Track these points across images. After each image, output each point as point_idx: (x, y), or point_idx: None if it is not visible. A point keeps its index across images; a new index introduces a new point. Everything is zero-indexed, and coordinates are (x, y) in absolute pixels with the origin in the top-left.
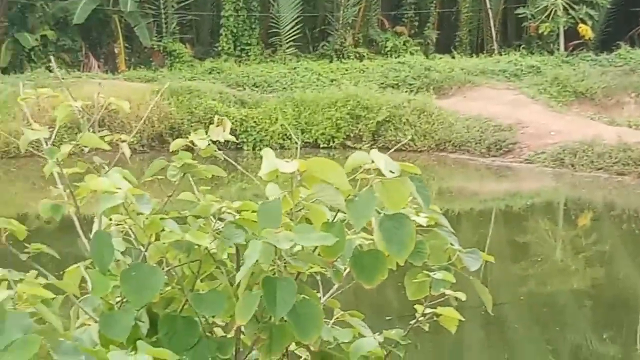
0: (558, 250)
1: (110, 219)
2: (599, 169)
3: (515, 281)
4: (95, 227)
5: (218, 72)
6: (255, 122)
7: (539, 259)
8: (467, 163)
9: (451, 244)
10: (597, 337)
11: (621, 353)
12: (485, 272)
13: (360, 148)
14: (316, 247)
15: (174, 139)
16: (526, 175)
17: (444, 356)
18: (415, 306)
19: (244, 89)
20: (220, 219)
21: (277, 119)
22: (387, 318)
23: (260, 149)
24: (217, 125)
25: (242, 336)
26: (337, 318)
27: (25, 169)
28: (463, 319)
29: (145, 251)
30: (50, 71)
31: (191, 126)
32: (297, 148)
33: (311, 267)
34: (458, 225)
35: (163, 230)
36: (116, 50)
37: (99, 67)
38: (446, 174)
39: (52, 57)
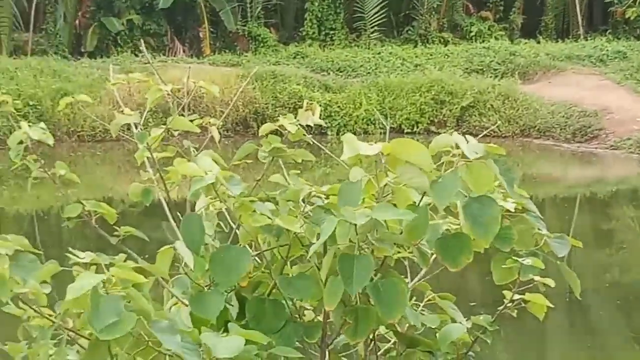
0: None
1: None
2: None
3: (599, 268)
4: (187, 210)
5: (302, 57)
6: (339, 107)
7: (624, 247)
8: (552, 149)
9: (539, 229)
10: None
11: None
12: (569, 258)
13: (445, 133)
14: (402, 231)
15: (258, 124)
16: (611, 162)
17: (527, 342)
18: (504, 292)
19: (328, 73)
20: (310, 203)
21: (361, 104)
22: (472, 304)
23: (344, 134)
24: (306, 110)
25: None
26: (429, 300)
27: (111, 153)
28: (552, 306)
29: (234, 234)
30: (137, 55)
31: (275, 111)
32: (381, 133)
33: (398, 252)
34: (542, 212)
35: (253, 212)
36: (201, 35)
37: (184, 51)
38: (531, 160)
39: (141, 41)
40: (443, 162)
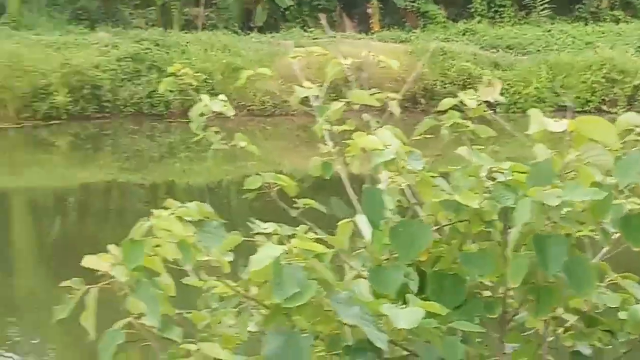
0: None
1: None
2: None
3: None
4: (367, 184)
5: (471, 34)
6: (508, 84)
7: None
8: None
9: None
10: None
11: None
12: None
13: (616, 112)
14: (584, 210)
15: (426, 100)
16: None
17: None
18: None
19: (498, 51)
20: (491, 179)
21: (531, 82)
22: None
23: (514, 112)
24: (487, 86)
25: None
26: (610, 280)
27: (280, 127)
28: None
29: (415, 208)
30: (305, 31)
31: (444, 87)
32: (551, 112)
33: (580, 230)
34: None
35: (434, 187)
36: (370, 11)
37: (352, 27)
38: None
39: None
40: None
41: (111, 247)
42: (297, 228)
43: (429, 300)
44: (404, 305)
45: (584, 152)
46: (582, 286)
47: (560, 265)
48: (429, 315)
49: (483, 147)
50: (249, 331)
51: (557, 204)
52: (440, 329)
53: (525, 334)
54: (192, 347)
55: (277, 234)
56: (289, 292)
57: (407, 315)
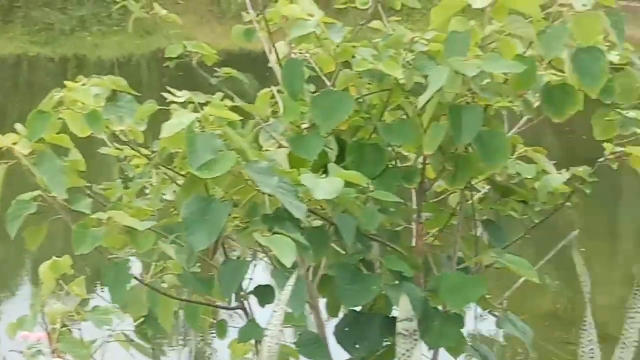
0: None
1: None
2: None
3: None
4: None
5: None
6: None
7: None
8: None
9: None
10: None
11: None
12: None
13: None
14: (506, 80)
15: None
16: None
17: (603, 200)
18: (605, 144)
19: None
20: (411, 50)
21: None
22: (552, 162)
23: None
24: None
25: (427, 166)
26: (520, 153)
27: (193, 2)
28: None
29: (334, 79)
30: None
31: None
32: None
33: (498, 102)
34: None
35: (353, 58)
36: None
37: None
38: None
39: None
40: (550, 13)
41: (18, 126)
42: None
43: (349, 170)
44: (323, 176)
45: (507, 24)
46: (494, 158)
47: (473, 136)
48: (348, 185)
49: (400, 19)
50: (165, 200)
51: (475, 74)
52: (360, 198)
53: (437, 200)
54: (103, 216)
55: (192, 102)
56: (203, 159)
57: (327, 185)
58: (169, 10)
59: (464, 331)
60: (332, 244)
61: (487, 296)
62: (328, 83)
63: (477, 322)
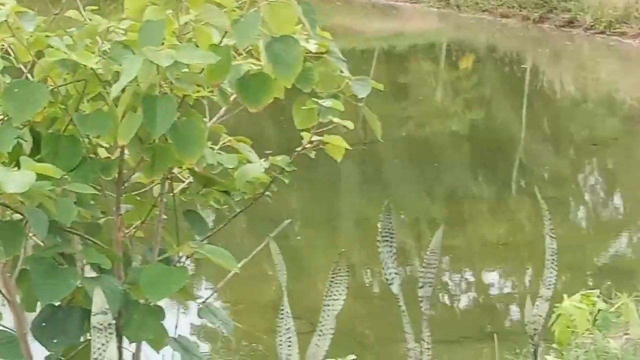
0: (439, 92)
1: None
2: (484, 11)
3: (395, 121)
4: None
5: None
6: None
7: (420, 99)
8: (353, 1)
9: (341, 71)
10: (473, 178)
11: (495, 194)
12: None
13: None
14: (202, 70)
15: None
16: (411, 15)
17: (321, 190)
18: (302, 133)
19: None
20: (108, 40)
21: None
22: (268, 152)
23: None
24: None
25: (125, 157)
26: (224, 143)
27: None
28: (350, 148)
29: (29, 70)
30: None
31: None
32: None
33: (198, 92)
34: None
35: (48, 47)
36: None
37: None
38: (331, 11)
39: None
40: (246, 2)
41: None
42: None
43: (44, 162)
44: (16, 169)
45: (201, 14)
46: (190, 149)
47: (168, 126)
48: (42, 177)
49: (98, 7)
50: None
51: (169, 64)
52: (55, 191)
53: (137, 192)
54: None
55: None
56: None
57: (18, 179)
58: None
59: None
60: (35, 238)
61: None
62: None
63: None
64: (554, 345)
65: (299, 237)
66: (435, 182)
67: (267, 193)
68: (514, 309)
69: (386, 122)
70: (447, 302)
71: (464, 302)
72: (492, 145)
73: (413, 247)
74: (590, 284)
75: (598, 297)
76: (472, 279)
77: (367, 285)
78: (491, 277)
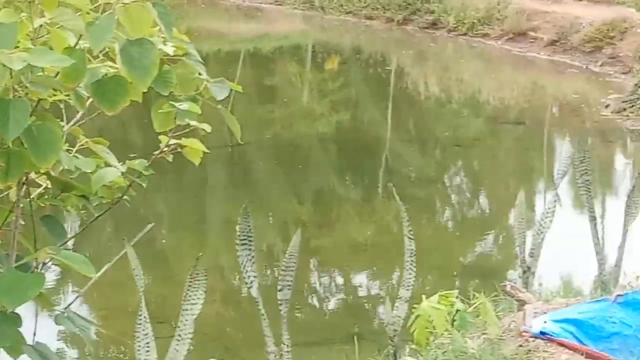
0: (305, 94)
1: None
2: (348, 13)
3: (261, 123)
4: None
5: None
6: None
7: (286, 101)
8: (217, 3)
9: (199, 74)
10: (339, 180)
11: (361, 195)
12: (232, 112)
13: None
14: (57, 74)
15: None
16: (276, 17)
17: (187, 192)
18: (160, 137)
19: None
20: None
21: None
22: (132, 155)
23: None
24: None
25: None
26: (82, 145)
27: None
28: (208, 151)
29: None
30: None
31: None
32: None
33: (54, 95)
34: (206, 67)
35: None
36: None
37: None
38: (195, 14)
39: None
40: (101, 5)
41: None
42: None
43: None
44: None
45: (56, 16)
46: (46, 154)
47: (21, 130)
48: None
49: None
50: None
51: (21, 67)
52: None
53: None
54: None
55: None
56: None
57: None
58: None
59: None
60: None
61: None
62: None
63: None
64: (414, 346)
65: (164, 241)
66: (302, 184)
67: (126, 197)
68: (377, 310)
69: (253, 124)
70: (311, 304)
71: (328, 303)
72: (358, 146)
73: (280, 249)
74: (458, 283)
75: (457, 297)
76: (337, 280)
77: (235, 288)
78: (356, 278)
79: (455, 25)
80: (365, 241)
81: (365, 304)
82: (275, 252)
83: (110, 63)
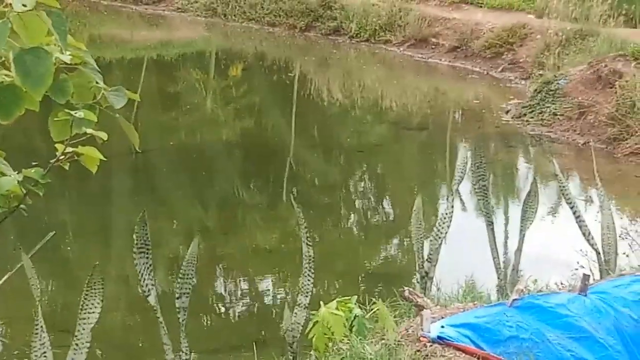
0: (209, 101)
1: None
2: (251, 20)
3: (165, 130)
4: None
5: None
6: None
7: (190, 108)
8: (120, 10)
9: (96, 82)
10: (245, 186)
11: (267, 200)
12: (135, 120)
13: None
14: None
15: None
16: (179, 24)
17: (91, 199)
18: (57, 145)
19: None
20: None
21: None
22: (34, 163)
23: None
24: None
25: None
26: None
27: None
28: (105, 159)
29: None
30: None
31: None
32: None
33: None
34: (109, 74)
35: None
36: None
37: None
38: (98, 21)
39: None
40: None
41: None
42: None
43: None
44: None
45: None
46: None
47: None
48: None
49: None
50: None
51: None
52: None
53: None
54: None
55: None
56: None
57: None
58: None
59: None
60: None
61: None
62: None
63: None
64: (313, 352)
65: (69, 248)
66: (206, 191)
67: (22, 206)
68: (279, 316)
69: (157, 132)
70: (214, 311)
71: (231, 310)
72: (262, 152)
73: (183, 256)
74: (361, 289)
75: (355, 303)
76: (240, 287)
77: (138, 296)
78: (259, 285)
79: (357, 32)
80: (270, 247)
81: (268, 311)
82: (178, 260)
83: (5, 72)
